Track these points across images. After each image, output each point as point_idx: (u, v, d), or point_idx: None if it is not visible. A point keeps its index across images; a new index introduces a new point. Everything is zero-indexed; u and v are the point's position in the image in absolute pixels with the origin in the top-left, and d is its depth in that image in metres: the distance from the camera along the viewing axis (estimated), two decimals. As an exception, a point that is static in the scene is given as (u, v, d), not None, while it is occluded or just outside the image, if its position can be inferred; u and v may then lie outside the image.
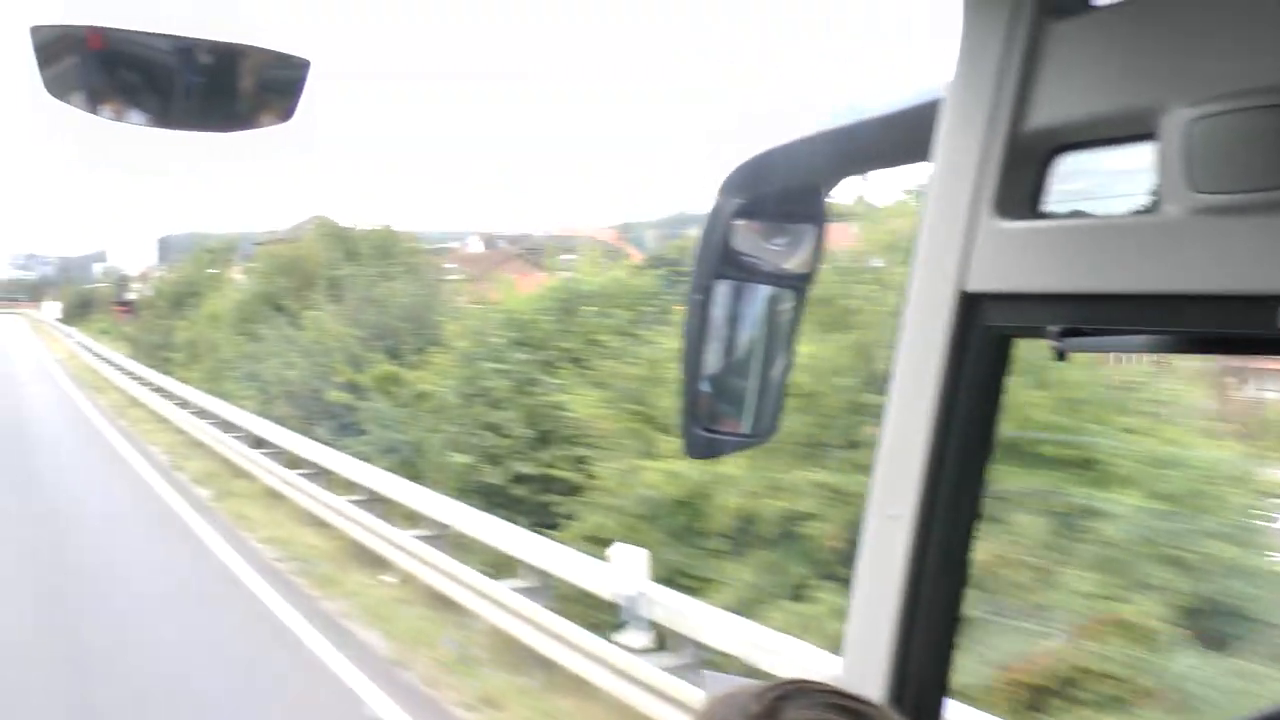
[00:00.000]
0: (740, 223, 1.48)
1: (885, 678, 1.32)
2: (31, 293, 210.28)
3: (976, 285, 1.21)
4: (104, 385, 35.89)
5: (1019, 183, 1.19)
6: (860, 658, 1.36)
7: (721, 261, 1.48)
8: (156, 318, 42.34)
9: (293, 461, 17.03)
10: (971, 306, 1.23)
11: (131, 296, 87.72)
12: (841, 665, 1.40)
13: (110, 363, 40.11)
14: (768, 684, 1.00)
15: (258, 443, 18.92)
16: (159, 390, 28.62)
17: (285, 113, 1.51)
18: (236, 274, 38.45)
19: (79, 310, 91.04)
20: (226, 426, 20.95)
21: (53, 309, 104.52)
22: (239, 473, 18.01)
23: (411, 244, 27.27)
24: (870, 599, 1.35)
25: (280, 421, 19.66)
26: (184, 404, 25.26)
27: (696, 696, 6.76)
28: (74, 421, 26.94)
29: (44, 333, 78.78)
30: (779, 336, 1.59)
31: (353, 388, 19.32)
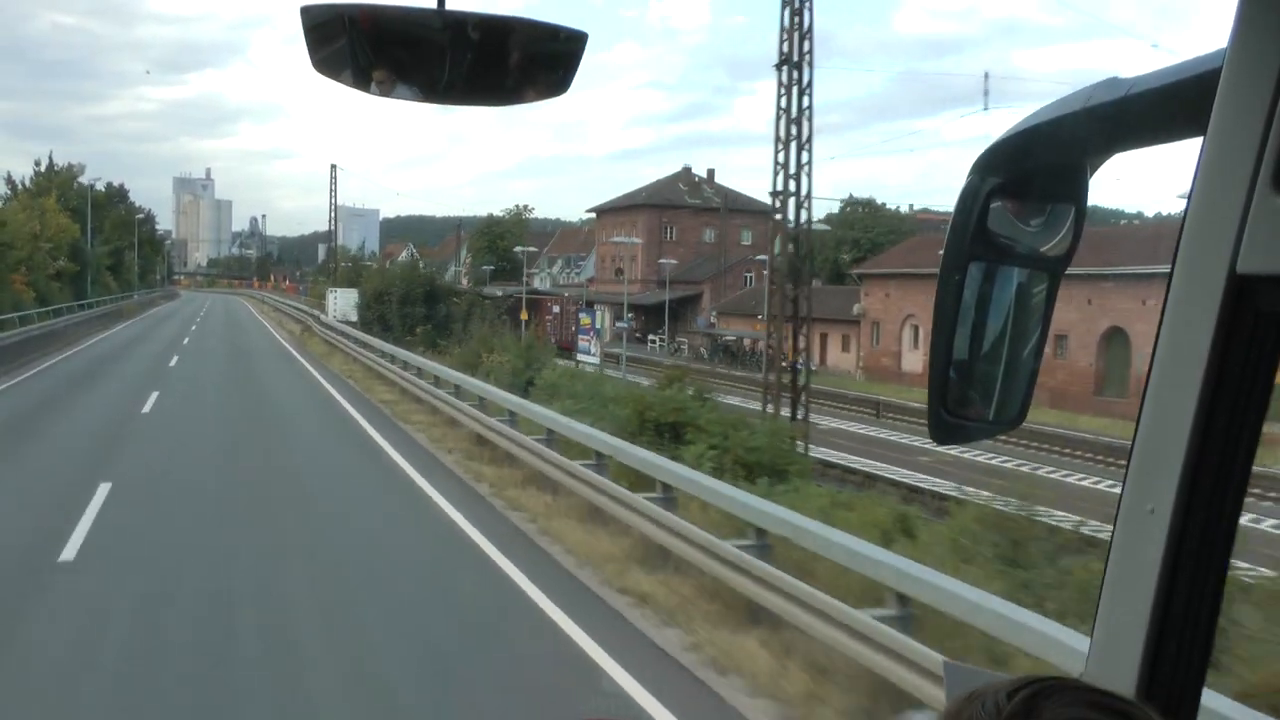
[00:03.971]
0: (996, 202, 1.44)
1: (1136, 674, 1.28)
2: (258, 271, 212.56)
3: (1250, 267, 1.15)
4: None
5: None
6: (1110, 652, 1.32)
7: (975, 242, 1.45)
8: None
9: None
10: (1244, 290, 1.16)
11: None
12: (1086, 658, 1.36)
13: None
14: (1020, 679, 0.98)
15: None
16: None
17: (558, 86, 1.54)
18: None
19: (411, 314, 52.73)
20: None
21: (344, 302, 59.01)
22: None
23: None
24: (1123, 593, 1.30)
25: None
26: None
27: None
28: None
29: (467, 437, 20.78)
30: (1030, 321, 1.54)
31: None
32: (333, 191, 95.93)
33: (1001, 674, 1.06)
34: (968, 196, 1.45)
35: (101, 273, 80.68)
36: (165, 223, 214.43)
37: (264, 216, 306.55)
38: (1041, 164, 1.46)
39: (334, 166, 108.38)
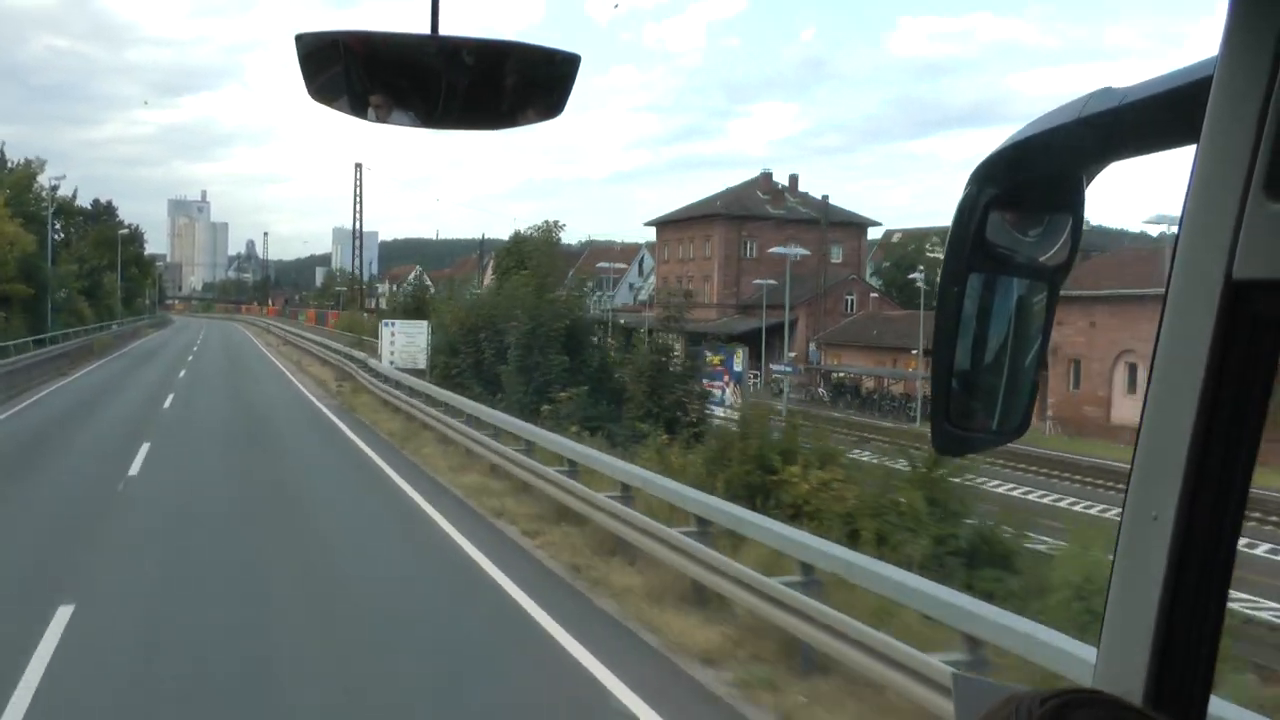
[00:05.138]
0: (994, 213, 1.45)
1: (1144, 681, 1.28)
2: (258, 296, 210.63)
3: (1246, 273, 1.15)
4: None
5: None
6: (1118, 660, 1.32)
7: (974, 253, 1.46)
8: None
9: None
10: (1240, 295, 1.17)
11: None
12: (1095, 666, 1.36)
13: None
14: (1054, 690, 0.98)
15: None
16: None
17: (553, 109, 1.55)
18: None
19: (543, 366, 29.91)
20: None
21: (407, 341, 38.08)
22: None
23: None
24: (1129, 600, 1.31)
25: None
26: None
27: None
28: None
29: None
30: (1030, 331, 1.55)
31: None
32: (358, 197, 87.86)
33: (1012, 685, 1.05)
34: (966, 208, 1.45)
35: (72, 298, 62.53)
36: (160, 246, 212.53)
37: (266, 235, 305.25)
38: (1038, 174, 1.47)
39: (359, 165, 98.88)
